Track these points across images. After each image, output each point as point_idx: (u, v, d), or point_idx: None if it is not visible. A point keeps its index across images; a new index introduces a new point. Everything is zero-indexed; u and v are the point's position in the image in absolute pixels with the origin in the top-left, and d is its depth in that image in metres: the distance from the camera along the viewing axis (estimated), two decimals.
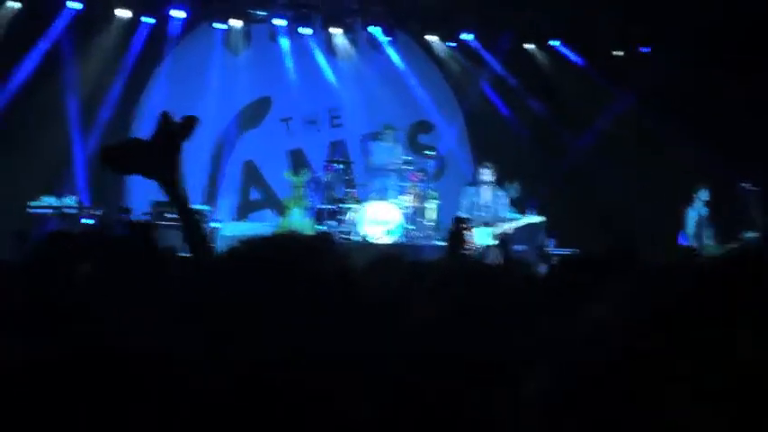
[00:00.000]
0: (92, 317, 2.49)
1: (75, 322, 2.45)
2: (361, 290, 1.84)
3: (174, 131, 2.69)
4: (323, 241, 1.83)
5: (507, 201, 12.56)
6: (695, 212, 12.35)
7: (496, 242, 11.87)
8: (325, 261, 1.77)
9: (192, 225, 2.88)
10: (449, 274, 2.36)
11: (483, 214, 12.17)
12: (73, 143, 14.32)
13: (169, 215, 12.65)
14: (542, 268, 8.57)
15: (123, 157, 2.75)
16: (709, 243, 12.17)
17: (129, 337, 1.56)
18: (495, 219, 12.19)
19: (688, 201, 12.42)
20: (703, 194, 12.41)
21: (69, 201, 12.42)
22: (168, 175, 2.72)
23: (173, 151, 2.69)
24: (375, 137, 14.14)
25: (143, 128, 14.53)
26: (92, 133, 14.36)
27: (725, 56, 13.69)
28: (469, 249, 11.98)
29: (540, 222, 12.96)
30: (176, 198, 2.76)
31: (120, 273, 2.89)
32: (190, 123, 2.71)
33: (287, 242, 1.84)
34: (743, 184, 12.01)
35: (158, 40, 14.98)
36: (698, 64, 14.03)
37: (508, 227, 12.31)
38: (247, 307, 1.68)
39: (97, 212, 12.38)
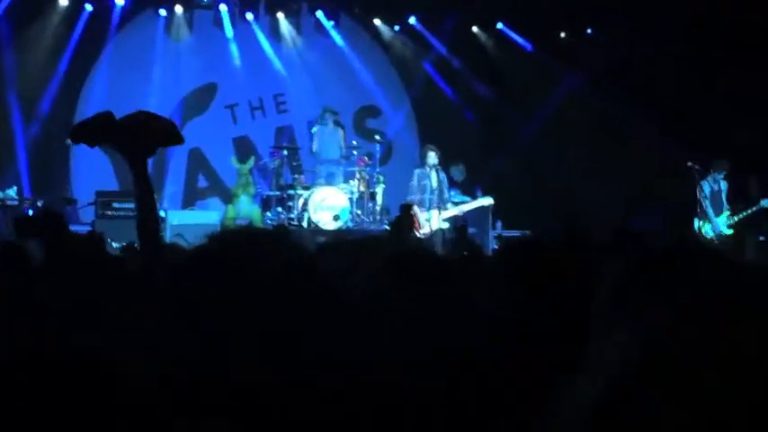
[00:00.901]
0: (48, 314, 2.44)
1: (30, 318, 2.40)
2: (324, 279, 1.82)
3: (153, 131, 2.71)
4: (281, 233, 1.84)
5: (447, 182, 12.64)
6: (708, 186, 12.24)
7: (447, 225, 11.95)
8: (289, 252, 1.75)
9: (150, 212, 2.86)
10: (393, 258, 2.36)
11: (432, 197, 12.22)
12: (14, 133, 14.06)
13: (117, 204, 12.53)
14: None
15: (99, 129, 2.74)
16: (723, 219, 12.15)
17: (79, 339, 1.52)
18: (442, 201, 12.25)
19: (703, 174, 12.23)
20: (720, 169, 12.25)
21: (11, 192, 12.22)
22: (142, 155, 2.72)
23: (152, 144, 2.72)
24: (316, 122, 14.03)
25: (85, 115, 14.32)
26: (33, 123, 14.13)
27: (671, 35, 13.82)
28: (421, 233, 12.05)
29: (489, 205, 13.05)
30: (143, 178, 2.75)
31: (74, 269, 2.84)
32: (174, 137, 2.73)
33: (245, 237, 1.81)
34: (690, 164, 12.14)
35: (100, 28, 14.76)
36: (643, 44, 14.17)
37: (459, 210, 12.38)
38: (217, 303, 1.65)
39: (39, 203, 12.19)
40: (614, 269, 2.12)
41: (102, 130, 2.90)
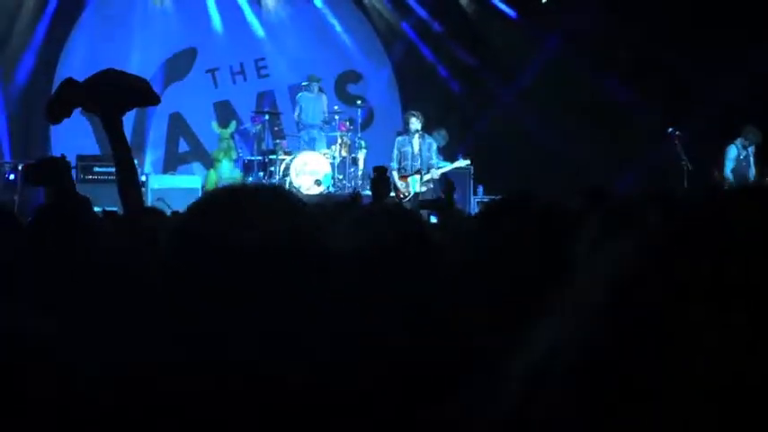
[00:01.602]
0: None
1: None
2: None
3: (124, 89, 2.71)
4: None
5: (435, 147, 12.69)
6: (736, 150, 12.07)
7: (426, 189, 12.00)
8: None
9: (130, 172, 2.88)
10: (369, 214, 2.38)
11: (414, 163, 12.27)
12: None
13: (98, 169, 12.49)
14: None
15: (69, 99, 2.75)
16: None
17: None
18: (425, 166, 12.31)
19: (733, 137, 12.11)
20: (752, 134, 12.03)
21: None
22: (116, 113, 2.73)
23: (125, 102, 2.72)
24: (300, 89, 14.02)
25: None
26: (12, 87, 14.04)
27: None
28: (402, 197, 12.12)
29: (467, 167, 13.13)
30: (120, 138, 2.75)
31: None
32: (150, 95, 2.74)
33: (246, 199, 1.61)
34: (670, 129, 12.16)
35: None
36: (625, 8, 14.16)
37: (436, 173, 12.42)
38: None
39: (20, 167, 12.15)
40: (591, 221, 2.15)
41: (71, 99, 2.89)
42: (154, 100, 2.95)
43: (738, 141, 12.06)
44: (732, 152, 12.06)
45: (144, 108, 14.90)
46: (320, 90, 13.96)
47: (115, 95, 2.83)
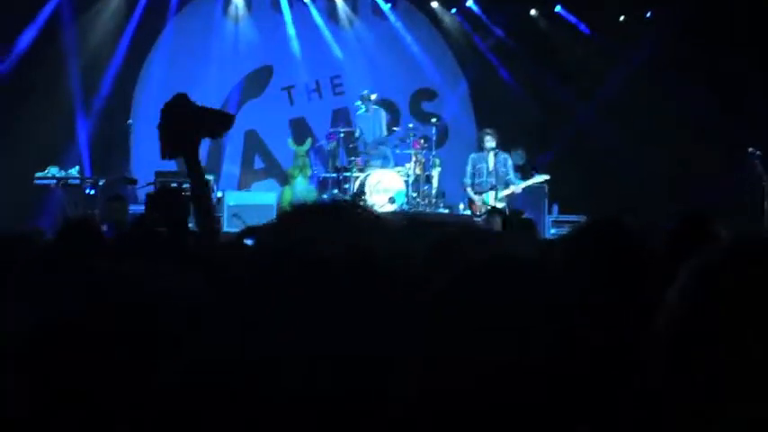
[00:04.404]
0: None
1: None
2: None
3: (205, 121, 2.74)
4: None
5: (511, 163, 12.59)
6: None
7: (504, 206, 11.90)
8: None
9: (203, 196, 2.90)
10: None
11: (489, 179, 12.22)
12: (75, 114, 14.27)
13: (175, 185, 12.67)
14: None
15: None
16: None
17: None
18: (501, 182, 12.26)
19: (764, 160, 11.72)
20: None
21: (73, 171, 12.41)
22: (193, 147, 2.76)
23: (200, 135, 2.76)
24: (356, 109, 14.03)
25: (144, 96, 14.51)
26: (94, 103, 14.33)
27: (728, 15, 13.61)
28: (477, 215, 12.05)
29: (543, 182, 13.00)
30: (196, 166, 2.78)
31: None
32: (228, 121, 2.76)
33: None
34: (751, 150, 11.86)
35: (159, 9, 14.91)
36: (699, 28, 13.94)
37: (514, 189, 12.33)
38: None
39: (101, 182, 12.37)
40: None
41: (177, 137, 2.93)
42: (228, 124, 2.96)
43: None
44: None
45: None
46: (377, 106, 13.95)
47: (197, 127, 2.87)
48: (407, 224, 2.83)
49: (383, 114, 13.96)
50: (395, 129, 13.97)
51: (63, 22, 14.20)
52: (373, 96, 13.90)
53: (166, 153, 2.84)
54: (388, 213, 12.47)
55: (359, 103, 13.86)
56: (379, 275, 1.51)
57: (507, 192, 12.24)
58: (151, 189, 12.24)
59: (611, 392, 1.39)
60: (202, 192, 2.94)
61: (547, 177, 12.96)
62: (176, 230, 3.02)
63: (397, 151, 13.72)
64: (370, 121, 13.76)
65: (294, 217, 1.64)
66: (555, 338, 1.69)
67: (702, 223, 3.54)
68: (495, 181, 12.21)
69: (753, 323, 0.86)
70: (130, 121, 13.47)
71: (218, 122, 2.89)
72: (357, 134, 13.79)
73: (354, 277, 1.47)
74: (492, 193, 12.16)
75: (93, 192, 12.27)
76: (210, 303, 1.53)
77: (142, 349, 1.42)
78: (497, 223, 11.42)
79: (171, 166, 13.84)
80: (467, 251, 2.87)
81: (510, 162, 12.53)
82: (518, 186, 12.30)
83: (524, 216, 11.52)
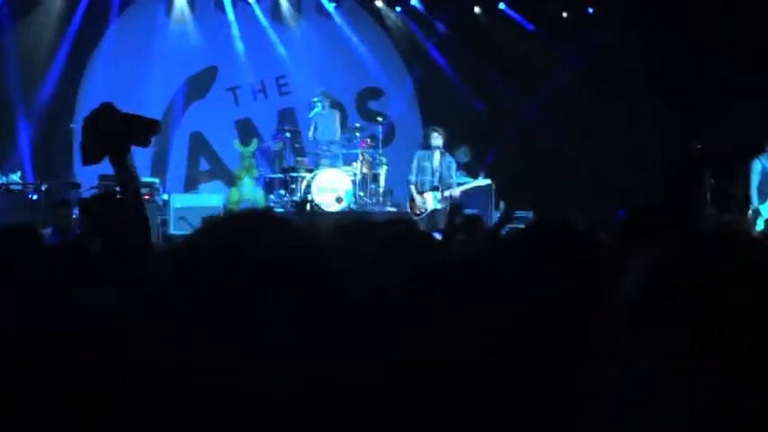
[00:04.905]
0: None
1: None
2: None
3: (131, 129, 2.72)
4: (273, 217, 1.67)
5: (455, 166, 12.59)
6: (760, 164, 11.71)
7: (445, 207, 11.89)
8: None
9: (135, 201, 2.88)
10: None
11: (432, 179, 12.19)
12: (17, 118, 14.05)
13: (119, 189, 12.51)
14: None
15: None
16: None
17: None
18: (443, 183, 12.21)
19: (756, 151, 11.76)
20: None
21: (14, 177, 12.22)
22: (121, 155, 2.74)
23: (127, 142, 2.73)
24: (312, 107, 13.93)
25: (88, 99, 14.33)
26: (35, 108, 14.13)
27: (671, 12, 13.79)
28: (419, 214, 12.06)
29: (487, 185, 13.04)
30: (125, 174, 2.76)
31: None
32: (154, 127, 2.74)
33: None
34: (692, 143, 12.04)
35: (101, 10, 14.74)
36: (640, 22, 14.11)
37: (456, 191, 12.30)
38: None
39: (43, 188, 12.19)
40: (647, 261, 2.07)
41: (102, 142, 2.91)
42: (154, 130, 2.92)
43: (761, 156, 11.84)
44: (757, 167, 11.85)
45: (165, 129, 14.98)
46: (332, 107, 13.91)
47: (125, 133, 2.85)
48: (343, 225, 2.86)
49: (338, 115, 13.93)
50: (357, 125, 13.91)
51: (2, 26, 13.97)
52: (331, 96, 13.89)
53: (86, 159, 2.82)
54: (335, 213, 12.46)
55: (316, 99, 13.76)
56: (327, 276, 1.53)
57: (447, 194, 12.18)
58: (92, 193, 12.09)
59: (563, 385, 1.40)
60: (134, 199, 2.92)
61: (489, 182, 13.01)
62: (109, 242, 2.99)
63: (344, 151, 13.70)
64: (327, 120, 13.70)
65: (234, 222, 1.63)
66: (509, 335, 1.72)
67: (651, 216, 3.59)
68: (437, 182, 12.19)
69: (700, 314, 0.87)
70: (73, 125, 13.28)
71: (144, 129, 2.86)
72: (311, 133, 13.68)
73: (302, 278, 1.48)
74: (433, 194, 12.13)
75: (36, 197, 12.08)
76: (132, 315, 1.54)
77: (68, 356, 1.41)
78: (441, 221, 11.48)
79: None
80: (412, 251, 2.88)
81: (454, 166, 12.50)
82: (456, 190, 12.26)
83: (471, 212, 11.58)
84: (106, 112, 2.82)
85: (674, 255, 1.34)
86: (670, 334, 0.92)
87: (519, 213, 13.34)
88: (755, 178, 11.72)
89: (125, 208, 2.89)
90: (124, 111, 2.88)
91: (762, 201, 11.65)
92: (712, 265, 1.23)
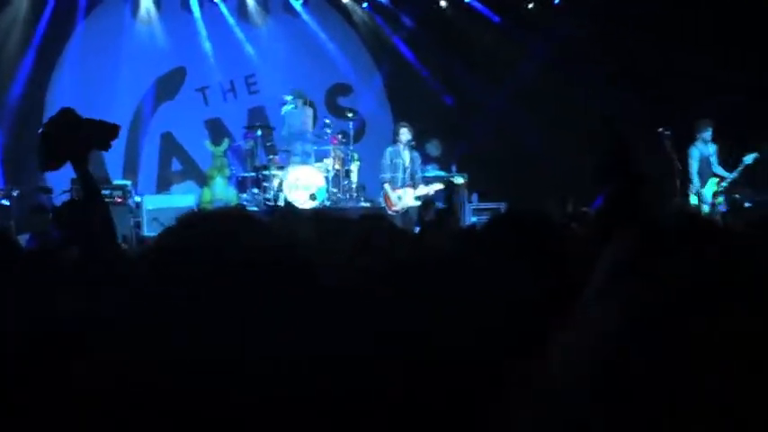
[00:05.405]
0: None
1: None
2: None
3: (92, 134, 2.74)
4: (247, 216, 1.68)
5: (420, 162, 12.61)
6: (698, 151, 11.98)
7: (418, 204, 11.94)
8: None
9: (99, 208, 2.91)
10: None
11: (404, 175, 12.24)
12: None
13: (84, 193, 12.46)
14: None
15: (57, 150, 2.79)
16: (714, 186, 11.82)
17: None
18: (413, 180, 12.27)
19: (691, 139, 12.03)
20: (707, 132, 11.95)
21: None
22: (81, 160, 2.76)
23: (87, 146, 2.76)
24: (284, 104, 13.90)
25: (57, 102, 14.24)
26: (3, 111, 14.03)
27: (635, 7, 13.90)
28: (393, 211, 12.11)
29: (460, 184, 13.08)
30: (87, 178, 2.79)
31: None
32: (114, 132, 2.76)
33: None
34: (660, 130, 12.16)
35: (67, 12, 14.65)
36: (607, 12, 14.20)
37: (431, 189, 12.31)
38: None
39: (14, 193, 12.12)
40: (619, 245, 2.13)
41: (57, 151, 2.92)
42: (113, 134, 2.94)
43: (698, 141, 12.03)
44: (695, 154, 12.05)
45: (135, 131, 14.91)
46: (305, 104, 13.88)
47: (84, 137, 2.87)
48: (318, 222, 2.90)
49: (311, 112, 13.90)
50: (326, 121, 13.91)
51: None
52: (304, 95, 13.86)
53: (45, 166, 2.85)
54: (309, 210, 12.46)
55: (289, 97, 13.71)
56: (311, 274, 1.54)
57: (422, 192, 12.21)
58: (65, 197, 12.05)
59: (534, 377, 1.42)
60: (97, 203, 2.95)
61: (462, 181, 13.05)
62: (84, 247, 3.01)
63: (315, 147, 13.69)
64: (299, 117, 13.65)
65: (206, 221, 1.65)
66: (485, 330, 1.75)
67: (628, 203, 3.65)
68: (409, 179, 12.24)
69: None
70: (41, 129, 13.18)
71: (104, 134, 2.89)
72: (285, 130, 13.64)
73: (286, 276, 1.49)
74: (409, 191, 12.18)
75: (7, 202, 12.01)
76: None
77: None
78: (417, 217, 11.53)
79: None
80: (387, 247, 2.93)
81: (419, 160, 12.55)
82: (431, 188, 12.28)
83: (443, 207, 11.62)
84: (66, 117, 2.84)
85: (642, 241, 1.39)
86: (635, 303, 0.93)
87: (491, 205, 13.46)
88: (695, 164, 11.95)
89: (94, 212, 2.91)
90: (84, 116, 2.91)
91: (702, 185, 11.91)
92: (680, 250, 1.27)
